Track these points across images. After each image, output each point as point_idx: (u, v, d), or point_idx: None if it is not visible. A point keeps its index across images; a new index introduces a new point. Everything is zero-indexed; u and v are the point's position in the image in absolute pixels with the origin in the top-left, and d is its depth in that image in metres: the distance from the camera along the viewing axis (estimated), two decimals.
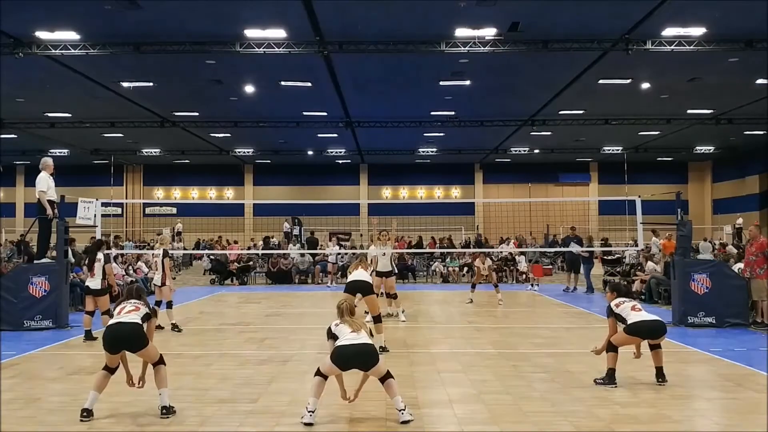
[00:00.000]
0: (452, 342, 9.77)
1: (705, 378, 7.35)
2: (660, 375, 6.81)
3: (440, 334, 10.56)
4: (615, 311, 6.99)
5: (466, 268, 21.90)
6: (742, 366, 7.65)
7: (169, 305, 11.03)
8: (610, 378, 6.76)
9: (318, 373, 5.60)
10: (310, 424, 5.41)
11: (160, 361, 5.85)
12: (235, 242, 26.95)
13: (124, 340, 5.71)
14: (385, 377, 5.57)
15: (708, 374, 7.47)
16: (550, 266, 23.87)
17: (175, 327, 10.76)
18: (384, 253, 11.81)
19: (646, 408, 5.91)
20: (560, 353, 8.60)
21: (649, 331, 6.78)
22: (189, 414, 5.76)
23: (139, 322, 5.80)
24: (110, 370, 5.78)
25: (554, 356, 8.36)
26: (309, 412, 5.46)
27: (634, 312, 6.84)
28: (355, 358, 5.52)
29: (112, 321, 5.85)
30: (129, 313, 5.83)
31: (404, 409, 5.50)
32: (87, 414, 5.59)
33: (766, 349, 8.63)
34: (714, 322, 10.64)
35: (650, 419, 5.58)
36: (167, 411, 5.68)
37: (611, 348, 6.87)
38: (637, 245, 15.49)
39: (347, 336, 5.61)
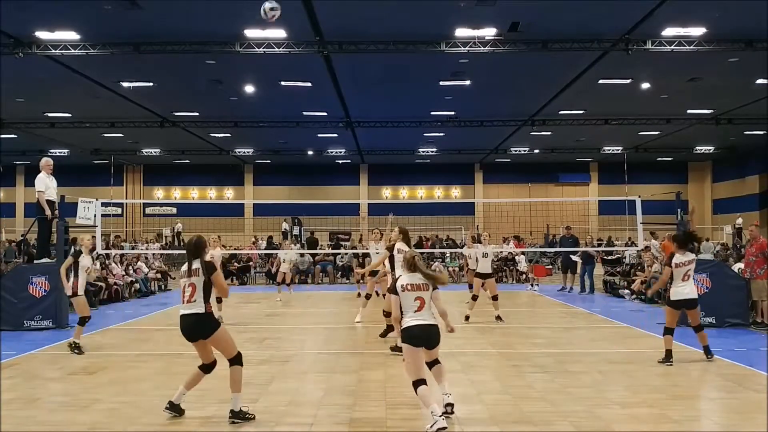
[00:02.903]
0: (452, 342, 9.76)
1: (705, 378, 7.35)
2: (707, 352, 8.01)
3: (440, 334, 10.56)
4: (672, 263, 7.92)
5: (466, 268, 21.91)
6: (742, 366, 7.65)
7: (82, 321, 8.87)
8: (667, 356, 7.82)
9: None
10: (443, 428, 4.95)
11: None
12: (253, 242, 26.64)
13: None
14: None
15: (708, 374, 7.47)
16: (550, 266, 23.86)
17: (74, 347, 8.71)
18: (377, 251, 11.75)
19: (646, 408, 5.91)
20: (560, 353, 8.60)
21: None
22: (189, 414, 5.75)
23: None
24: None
25: (554, 356, 8.35)
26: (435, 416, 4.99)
27: (683, 283, 7.88)
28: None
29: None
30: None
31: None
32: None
33: (766, 349, 8.63)
34: (714, 322, 10.63)
35: (650, 419, 5.58)
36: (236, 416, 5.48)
37: (667, 331, 7.93)
38: (634, 245, 15.49)
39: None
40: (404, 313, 5.54)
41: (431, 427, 4.99)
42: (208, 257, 5.75)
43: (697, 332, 8.09)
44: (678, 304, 7.92)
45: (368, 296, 11.72)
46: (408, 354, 5.46)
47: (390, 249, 8.85)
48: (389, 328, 9.11)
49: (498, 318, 11.68)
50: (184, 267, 5.63)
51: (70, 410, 5.86)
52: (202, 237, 5.74)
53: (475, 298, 11.99)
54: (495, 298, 11.83)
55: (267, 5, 9.21)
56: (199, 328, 5.53)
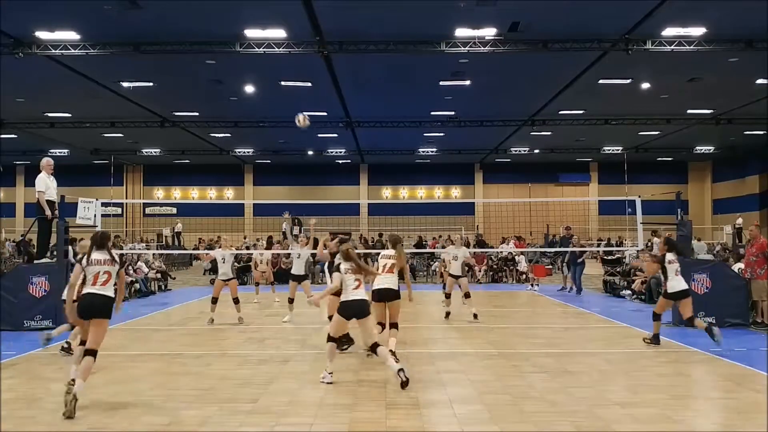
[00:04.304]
0: (452, 342, 9.77)
1: (705, 378, 7.35)
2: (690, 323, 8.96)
3: (440, 334, 10.56)
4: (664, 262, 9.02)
5: (466, 268, 21.90)
6: (742, 366, 7.65)
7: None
8: (654, 339, 9.01)
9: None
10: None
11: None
12: (253, 244, 26.51)
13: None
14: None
15: (708, 374, 7.47)
16: (550, 266, 23.85)
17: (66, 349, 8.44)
18: (299, 255, 11.98)
19: (646, 408, 5.91)
20: (560, 353, 8.60)
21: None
22: (189, 414, 5.75)
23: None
24: None
25: (554, 356, 8.35)
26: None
27: (677, 277, 9.01)
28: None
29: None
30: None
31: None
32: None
33: (766, 349, 8.63)
34: (714, 322, 10.57)
35: (650, 419, 5.57)
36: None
37: (657, 317, 9.07)
38: (631, 245, 15.48)
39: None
40: (344, 290, 6.97)
41: (323, 379, 6.83)
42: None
43: (690, 324, 9.10)
44: (676, 296, 9.02)
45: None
46: (338, 319, 7.02)
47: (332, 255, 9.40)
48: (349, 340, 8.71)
49: (475, 316, 11.67)
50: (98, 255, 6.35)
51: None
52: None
53: (447, 296, 12.42)
54: (467, 295, 12.01)
55: (301, 116, 11.28)
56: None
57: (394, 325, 7.87)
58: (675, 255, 9.14)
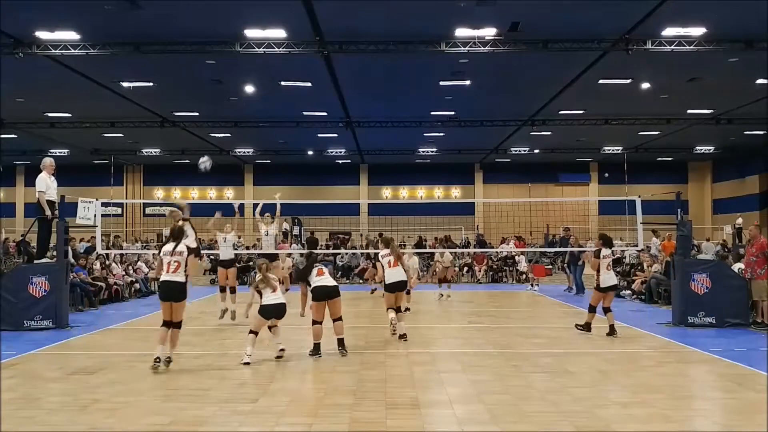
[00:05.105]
0: (452, 342, 9.78)
1: (705, 378, 7.35)
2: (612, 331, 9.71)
3: (440, 334, 10.57)
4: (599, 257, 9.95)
5: (466, 268, 21.94)
6: (742, 366, 7.65)
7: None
8: (586, 327, 9.97)
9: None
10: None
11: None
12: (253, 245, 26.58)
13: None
14: None
15: (708, 374, 7.47)
16: (550, 266, 23.87)
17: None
18: (225, 239, 12.21)
19: (646, 408, 5.91)
20: (560, 353, 8.60)
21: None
22: (189, 414, 5.75)
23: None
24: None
25: (554, 356, 8.36)
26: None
27: (609, 272, 10.01)
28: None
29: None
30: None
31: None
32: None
33: (766, 349, 8.62)
34: (714, 322, 10.63)
35: (650, 419, 5.58)
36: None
37: (593, 309, 9.94)
38: (631, 245, 15.48)
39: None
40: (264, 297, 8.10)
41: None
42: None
43: (606, 313, 9.87)
44: (607, 289, 9.93)
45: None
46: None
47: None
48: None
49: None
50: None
51: (70, 410, 5.85)
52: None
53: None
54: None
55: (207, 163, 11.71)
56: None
57: (400, 309, 9.60)
58: (609, 250, 10.15)
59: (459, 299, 15.34)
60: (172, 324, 7.60)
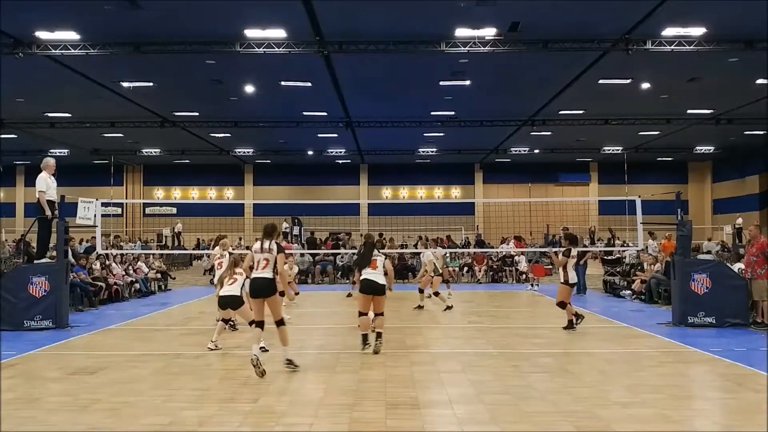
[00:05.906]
0: (452, 342, 9.77)
1: (705, 378, 7.35)
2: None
3: (440, 334, 10.56)
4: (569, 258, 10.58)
5: (466, 268, 21.92)
6: (742, 366, 7.64)
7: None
8: (570, 324, 10.49)
9: None
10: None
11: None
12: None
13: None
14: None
15: (708, 374, 7.47)
16: (550, 266, 23.84)
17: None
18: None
19: (646, 408, 5.90)
20: (560, 353, 8.60)
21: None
22: (189, 414, 5.75)
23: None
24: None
25: (554, 356, 8.35)
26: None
27: (573, 270, 10.68)
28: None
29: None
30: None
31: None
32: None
33: (766, 349, 8.62)
34: (714, 322, 10.63)
35: (650, 419, 5.57)
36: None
37: (562, 305, 10.65)
38: (630, 246, 15.48)
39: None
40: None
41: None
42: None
43: (564, 308, 10.60)
44: (573, 285, 10.77)
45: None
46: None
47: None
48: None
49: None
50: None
51: (70, 410, 5.85)
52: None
53: (437, 294, 13.43)
54: (436, 294, 13.34)
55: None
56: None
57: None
58: (575, 249, 10.89)
59: (459, 299, 15.32)
60: (271, 323, 7.52)
